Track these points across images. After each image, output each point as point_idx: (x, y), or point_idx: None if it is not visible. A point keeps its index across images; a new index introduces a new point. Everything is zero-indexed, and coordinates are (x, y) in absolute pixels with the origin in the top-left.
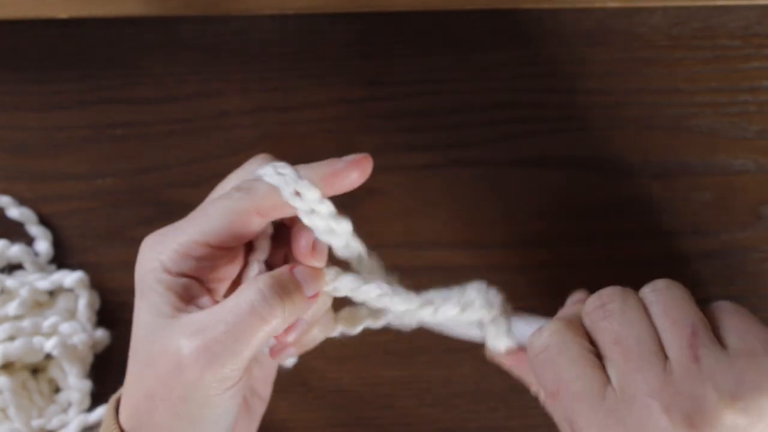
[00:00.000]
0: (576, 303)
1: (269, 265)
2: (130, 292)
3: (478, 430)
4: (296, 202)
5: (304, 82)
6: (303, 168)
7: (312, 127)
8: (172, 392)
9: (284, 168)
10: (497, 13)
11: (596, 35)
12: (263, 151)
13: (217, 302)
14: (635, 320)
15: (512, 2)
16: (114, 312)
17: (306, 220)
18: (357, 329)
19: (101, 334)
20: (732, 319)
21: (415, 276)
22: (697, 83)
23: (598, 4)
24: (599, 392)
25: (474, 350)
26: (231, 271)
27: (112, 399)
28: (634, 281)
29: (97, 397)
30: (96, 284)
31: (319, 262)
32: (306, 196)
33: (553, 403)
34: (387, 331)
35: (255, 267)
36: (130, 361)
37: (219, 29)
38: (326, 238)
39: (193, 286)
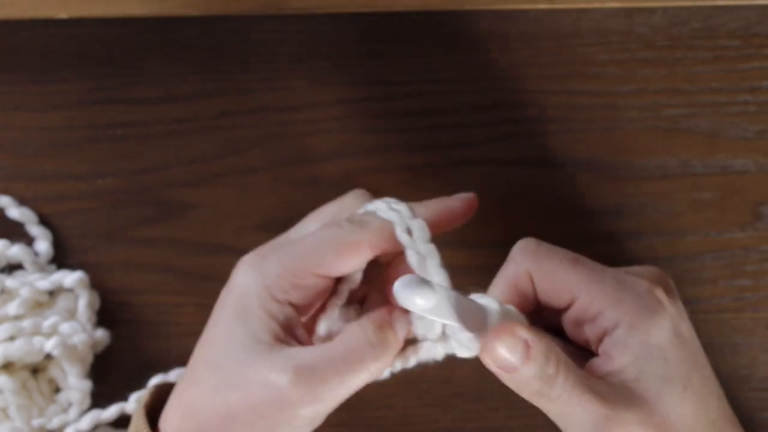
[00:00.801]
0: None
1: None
2: (130, 292)
3: (478, 430)
4: (407, 241)
5: (304, 82)
6: (417, 206)
7: (312, 127)
8: (261, 420)
9: (398, 204)
10: (497, 13)
11: (596, 35)
12: (263, 151)
13: (308, 334)
14: None
15: (512, 2)
16: (114, 312)
17: (413, 260)
18: (396, 367)
19: (101, 334)
20: None
21: None
22: (697, 83)
23: (597, 4)
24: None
25: None
26: (321, 296)
27: (141, 405)
28: None
29: (97, 397)
30: (96, 284)
31: None
32: (417, 235)
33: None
34: None
35: (333, 310)
36: (205, 375)
37: (219, 29)
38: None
39: (293, 316)
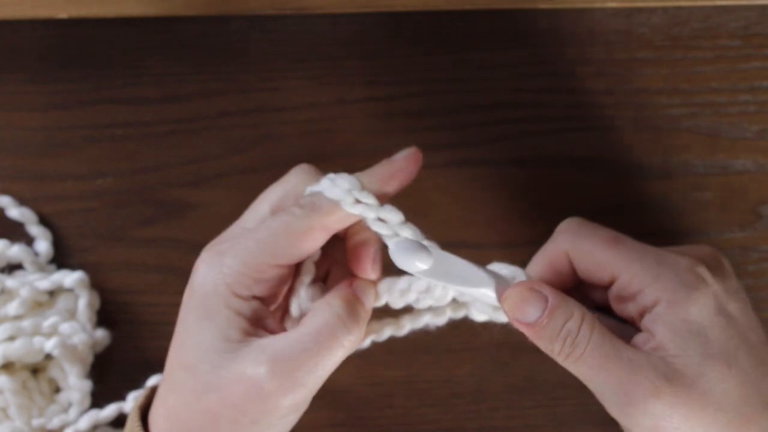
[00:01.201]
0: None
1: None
2: (130, 292)
3: (478, 430)
4: (362, 211)
5: (304, 82)
6: (360, 175)
7: (312, 127)
8: (245, 416)
9: (343, 179)
10: (497, 13)
11: (596, 35)
12: (263, 151)
13: (279, 323)
14: None
15: (512, 2)
16: (114, 312)
17: (374, 227)
18: (384, 336)
19: (101, 334)
20: None
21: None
22: (697, 83)
23: (597, 4)
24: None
25: (474, 350)
26: (283, 284)
27: (136, 406)
28: None
29: (98, 397)
30: (96, 284)
31: (377, 274)
32: (368, 204)
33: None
34: None
35: (303, 289)
36: (181, 378)
37: (219, 29)
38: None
39: (260, 308)
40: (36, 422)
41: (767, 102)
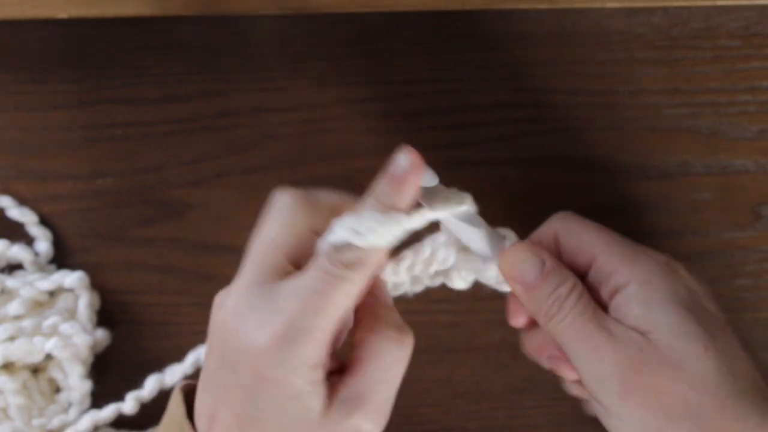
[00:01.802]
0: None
1: None
2: (131, 292)
3: (479, 430)
4: (399, 232)
5: (304, 82)
6: (369, 201)
7: (312, 127)
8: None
9: (363, 221)
10: (497, 13)
11: (596, 35)
12: (263, 151)
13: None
14: None
15: (512, 2)
16: (114, 312)
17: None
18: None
19: (101, 335)
20: None
21: None
22: (697, 83)
23: (597, 4)
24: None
25: (474, 350)
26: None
27: (179, 388)
28: None
29: (98, 397)
30: (96, 284)
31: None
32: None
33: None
34: None
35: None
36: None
37: (219, 29)
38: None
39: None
40: (36, 422)
41: (767, 102)
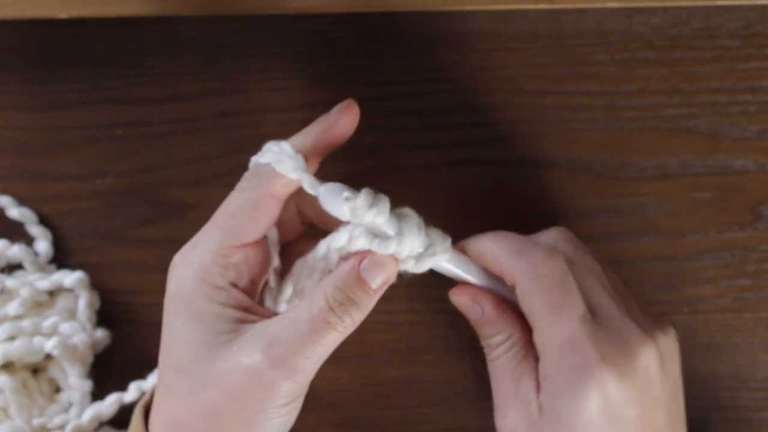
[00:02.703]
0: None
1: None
2: (131, 292)
3: (478, 430)
4: (300, 175)
5: (304, 82)
6: (297, 137)
7: None
8: (246, 406)
9: (275, 145)
10: (497, 13)
11: (596, 35)
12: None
13: (264, 308)
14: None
15: (512, 2)
16: (114, 312)
17: (311, 191)
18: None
19: (101, 334)
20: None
21: (416, 276)
22: (697, 83)
23: (598, 4)
24: (590, 316)
25: (474, 350)
26: (262, 270)
27: (140, 405)
28: (634, 281)
29: (98, 397)
30: (96, 284)
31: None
32: (295, 165)
33: (554, 318)
34: (388, 331)
35: (272, 278)
36: (174, 381)
37: (219, 29)
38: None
39: (242, 297)
40: (36, 422)
41: (767, 102)
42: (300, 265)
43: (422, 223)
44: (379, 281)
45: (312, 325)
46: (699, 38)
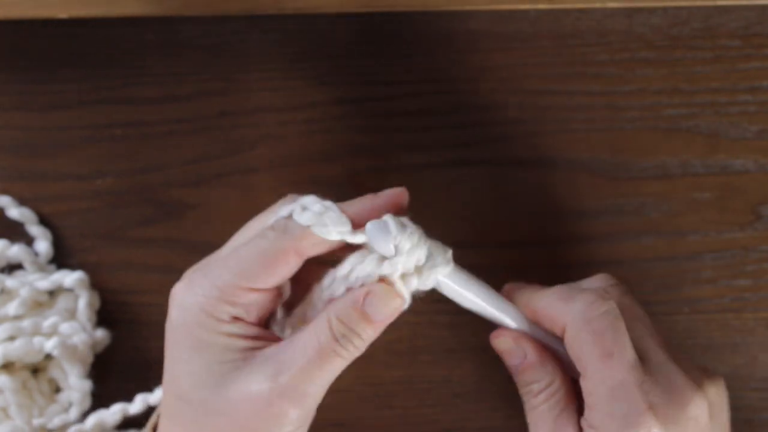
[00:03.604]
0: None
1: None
2: (131, 292)
3: (479, 430)
4: (345, 237)
5: (304, 82)
6: (341, 204)
7: (312, 127)
8: None
9: (316, 204)
10: (497, 13)
11: (596, 35)
12: (263, 151)
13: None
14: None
15: (512, 2)
16: (114, 312)
17: (357, 241)
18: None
19: (101, 334)
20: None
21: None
22: (697, 83)
23: (598, 4)
24: (639, 363)
25: (474, 350)
26: (271, 307)
27: (149, 427)
28: (634, 281)
29: (98, 397)
30: (96, 284)
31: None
32: (341, 230)
33: (604, 363)
34: (387, 331)
35: (280, 312)
36: (178, 409)
37: (219, 29)
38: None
39: (247, 327)
40: (36, 422)
41: (767, 102)
42: (308, 300)
43: (422, 233)
44: (383, 315)
45: (319, 353)
46: (699, 38)
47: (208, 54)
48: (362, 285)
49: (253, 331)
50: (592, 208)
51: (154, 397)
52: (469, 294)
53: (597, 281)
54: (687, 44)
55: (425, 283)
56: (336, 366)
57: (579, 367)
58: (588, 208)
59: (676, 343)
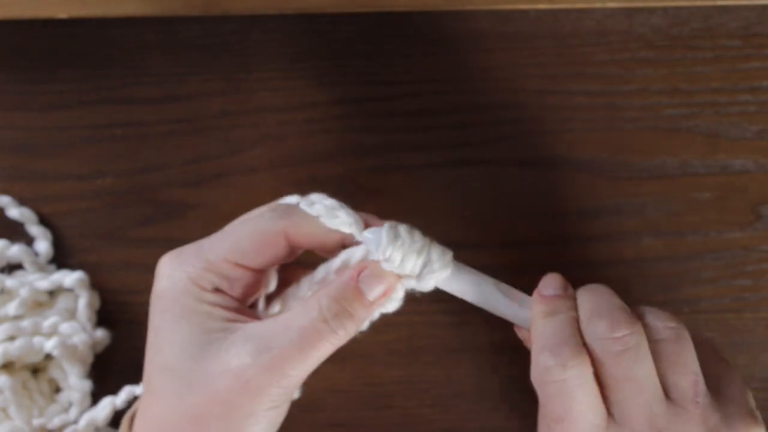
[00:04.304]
0: (562, 298)
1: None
2: (131, 292)
3: (478, 430)
4: (345, 228)
5: (304, 82)
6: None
7: (312, 127)
8: (234, 410)
9: (328, 200)
10: (497, 13)
11: (596, 35)
12: (263, 151)
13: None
14: (647, 359)
15: (512, 2)
16: (114, 312)
17: (361, 240)
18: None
19: (101, 334)
20: (715, 366)
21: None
22: (697, 83)
23: (598, 4)
24: (603, 428)
25: (474, 350)
26: (254, 291)
27: (127, 417)
28: (634, 281)
29: (98, 397)
30: (96, 284)
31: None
32: (351, 222)
33: (557, 427)
34: (387, 331)
35: (261, 302)
36: (161, 382)
37: (219, 29)
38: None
39: (230, 299)
40: (36, 422)
41: (767, 102)
42: (293, 290)
43: (421, 240)
44: (377, 293)
45: (304, 335)
46: (699, 38)
47: (208, 54)
48: None
49: (235, 304)
50: (592, 208)
51: (140, 389)
52: (472, 295)
53: (653, 316)
54: (687, 44)
55: (423, 287)
56: (321, 351)
57: None
58: (588, 208)
59: None
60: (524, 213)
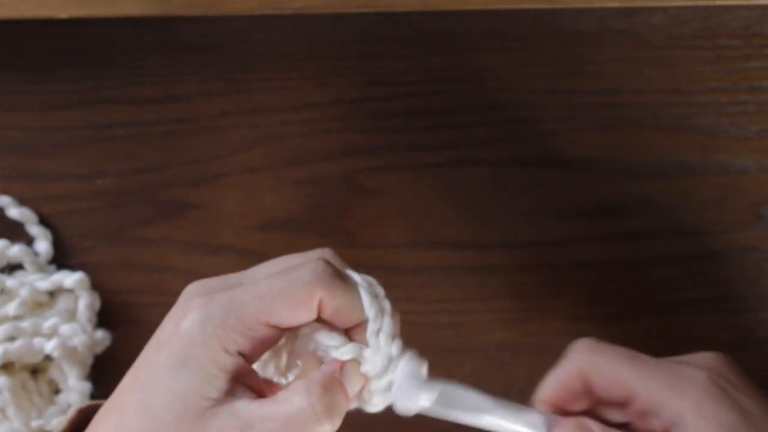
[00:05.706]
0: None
1: None
2: (131, 292)
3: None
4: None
5: (304, 82)
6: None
7: (312, 127)
8: None
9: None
10: (497, 13)
11: (596, 35)
12: (263, 151)
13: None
14: None
15: (512, 2)
16: (114, 313)
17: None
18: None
19: (101, 336)
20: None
21: (416, 276)
22: (697, 83)
23: (598, 4)
24: None
25: (474, 350)
26: (269, 347)
27: (72, 415)
28: (634, 281)
29: (97, 398)
30: (96, 285)
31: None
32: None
33: None
34: None
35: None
36: (135, 420)
37: (219, 29)
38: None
39: (243, 365)
40: (35, 423)
41: (767, 102)
42: (301, 343)
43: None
44: (354, 392)
45: (289, 425)
46: (699, 38)
47: (208, 54)
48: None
49: (244, 370)
50: (593, 208)
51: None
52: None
53: (703, 361)
54: (687, 44)
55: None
56: None
57: None
58: (588, 208)
59: (676, 343)
60: (524, 213)
